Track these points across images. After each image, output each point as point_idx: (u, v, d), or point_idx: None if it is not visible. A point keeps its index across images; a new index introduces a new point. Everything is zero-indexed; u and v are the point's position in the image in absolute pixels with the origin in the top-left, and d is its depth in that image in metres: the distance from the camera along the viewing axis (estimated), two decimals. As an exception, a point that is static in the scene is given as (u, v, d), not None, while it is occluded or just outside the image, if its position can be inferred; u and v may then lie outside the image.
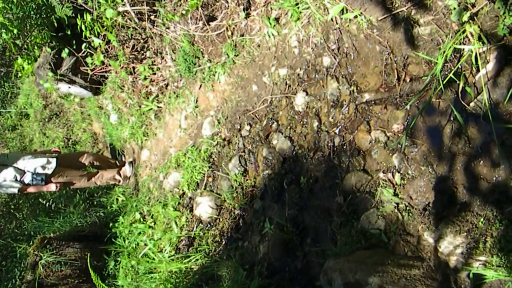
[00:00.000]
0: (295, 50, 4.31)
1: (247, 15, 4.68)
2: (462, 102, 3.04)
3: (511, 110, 2.80)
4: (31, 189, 5.74)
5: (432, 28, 3.27)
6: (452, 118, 3.12)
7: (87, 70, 6.36)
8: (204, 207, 5.07)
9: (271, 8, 4.48)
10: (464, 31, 3.03)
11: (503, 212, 2.72)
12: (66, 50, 6.25)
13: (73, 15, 5.70)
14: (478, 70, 3.00)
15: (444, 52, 3.12)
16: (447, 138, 3.11)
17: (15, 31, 5.83)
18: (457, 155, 3.03)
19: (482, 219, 2.77)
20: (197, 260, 4.87)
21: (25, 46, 6.56)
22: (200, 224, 5.17)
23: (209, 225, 5.07)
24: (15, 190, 5.56)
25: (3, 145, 10.13)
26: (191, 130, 5.66)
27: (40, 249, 6.00)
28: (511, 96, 2.79)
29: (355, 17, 3.67)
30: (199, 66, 5.28)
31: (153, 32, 5.56)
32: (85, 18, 5.59)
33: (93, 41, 5.84)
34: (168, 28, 5.34)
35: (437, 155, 3.17)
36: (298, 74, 4.33)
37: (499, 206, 2.76)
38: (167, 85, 6.01)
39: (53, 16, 5.91)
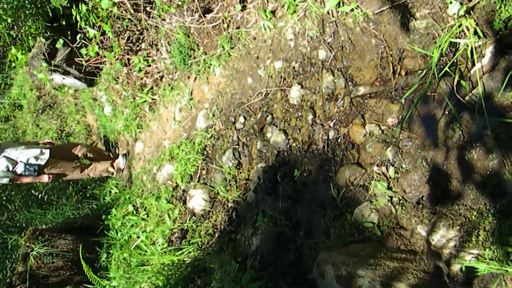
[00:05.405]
0: (291, 43, 4.30)
1: (243, 8, 4.66)
2: (457, 96, 3.04)
3: (505, 104, 2.80)
4: (23, 180, 5.70)
5: (428, 22, 3.27)
6: (447, 112, 3.12)
7: (81, 61, 6.32)
8: (197, 200, 5.06)
9: (267, 1, 4.47)
10: (460, 25, 3.03)
11: (496, 205, 2.73)
12: (61, 41, 6.19)
13: (68, 5, 5.65)
14: (473, 64, 3.00)
15: (439, 46, 3.11)
16: (442, 132, 3.11)
17: (9, 20, 5.78)
18: (451, 149, 3.03)
19: (475, 213, 2.78)
20: (189, 252, 4.86)
21: (19, 36, 6.51)
22: (193, 217, 5.15)
23: (202, 218, 5.06)
24: (7, 180, 5.53)
25: (-4, 136, 10.08)
26: (186, 122, 5.64)
27: (31, 241, 5.98)
28: (505, 89, 2.79)
29: (352, 10, 3.66)
30: (194, 58, 5.26)
31: (148, 24, 5.53)
32: (80, 8, 5.55)
33: (88, 32, 5.79)
34: (163, 19, 5.32)
35: (431, 149, 3.17)
36: (294, 67, 4.31)
37: (492, 199, 2.77)
38: (162, 77, 5.98)
39: (48, 6, 5.86)
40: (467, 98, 3.01)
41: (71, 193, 7.49)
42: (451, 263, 2.75)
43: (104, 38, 6.01)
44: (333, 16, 3.87)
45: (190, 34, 5.18)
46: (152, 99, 6.19)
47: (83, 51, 6.10)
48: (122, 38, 5.89)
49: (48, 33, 6.28)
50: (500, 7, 2.84)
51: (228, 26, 4.84)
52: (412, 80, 3.37)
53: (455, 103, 3.06)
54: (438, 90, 3.18)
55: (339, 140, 3.85)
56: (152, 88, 6.15)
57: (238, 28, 4.76)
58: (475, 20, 2.97)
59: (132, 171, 6.77)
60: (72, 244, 6.21)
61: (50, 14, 5.94)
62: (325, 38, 4.00)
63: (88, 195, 7.39)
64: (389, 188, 3.33)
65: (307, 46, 4.17)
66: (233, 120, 4.96)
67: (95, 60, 6.32)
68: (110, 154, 7.09)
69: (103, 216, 6.54)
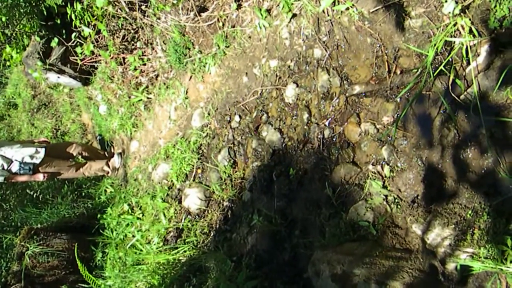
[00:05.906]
0: (286, 42, 4.30)
1: (239, 6, 4.65)
2: (452, 95, 3.04)
3: (500, 102, 2.80)
4: (18, 178, 5.68)
5: (423, 21, 3.27)
6: (442, 111, 3.12)
7: (76, 60, 6.29)
8: (193, 199, 5.05)
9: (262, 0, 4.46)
10: (455, 24, 3.03)
11: (490, 204, 2.73)
12: (56, 40, 6.17)
13: (63, 3, 5.64)
14: (468, 63, 3.00)
15: (435, 44, 3.11)
16: (437, 130, 3.12)
17: (4, 19, 5.75)
18: (447, 148, 3.04)
19: (470, 212, 2.77)
20: (185, 251, 4.85)
21: (14, 34, 6.48)
22: (188, 216, 5.15)
23: (197, 217, 5.05)
24: (2, 179, 5.50)
25: (-9, 135, 10.02)
26: (181, 121, 5.63)
27: (27, 240, 5.95)
28: (500, 88, 2.79)
29: (347, 9, 3.65)
30: (190, 57, 5.25)
31: (143, 23, 5.51)
32: (75, 7, 5.52)
33: (83, 30, 5.77)
34: (159, 18, 5.30)
35: (426, 148, 3.17)
36: (289, 66, 4.31)
37: (487, 198, 2.76)
38: (157, 76, 5.97)
39: (42, 5, 5.83)
40: (462, 97, 3.01)
41: (66, 192, 7.46)
42: (446, 261, 2.76)
43: (99, 37, 5.99)
44: (328, 15, 3.86)
45: (185, 33, 5.17)
46: (148, 98, 6.18)
47: (78, 50, 6.07)
48: (117, 37, 5.87)
49: (43, 31, 6.25)
50: (495, 6, 2.84)
51: (223, 25, 4.83)
52: (407, 79, 3.37)
53: (450, 102, 3.06)
54: (433, 89, 3.18)
55: (334, 139, 3.85)
56: (147, 87, 6.13)
57: (233, 27, 4.75)
58: (470, 19, 2.97)
59: (127, 170, 6.76)
60: (67, 243, 6.19)
61: (45, 12, 5.91)
62: (321, 37, 4.00)
63: (83, 194, 7.37)
64: (384, 187, 3.33)
65: (302, 45, 4.17)
66: (229, 119, 4.95)
67: (90, 59, 6.30)
68: (105, 153, 7.08)
69: (99, 215, 6.51)
